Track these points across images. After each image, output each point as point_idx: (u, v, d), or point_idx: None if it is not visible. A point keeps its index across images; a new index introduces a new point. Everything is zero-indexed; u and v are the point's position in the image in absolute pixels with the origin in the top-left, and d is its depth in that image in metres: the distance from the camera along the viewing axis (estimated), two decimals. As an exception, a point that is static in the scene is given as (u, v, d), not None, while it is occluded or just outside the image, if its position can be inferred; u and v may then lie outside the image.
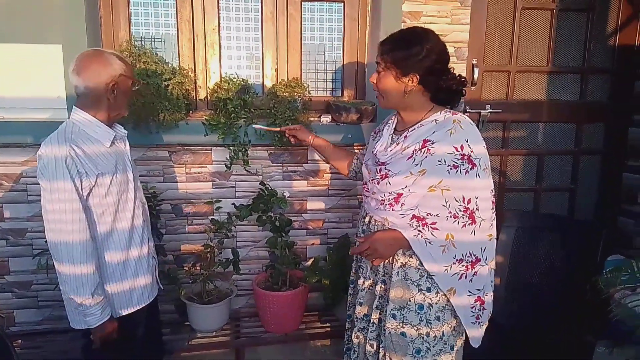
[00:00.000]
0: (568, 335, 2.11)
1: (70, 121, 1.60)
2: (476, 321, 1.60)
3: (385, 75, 1.57)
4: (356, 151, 2.11)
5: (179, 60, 2.55)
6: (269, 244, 2.49)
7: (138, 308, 1.75)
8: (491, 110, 2.74)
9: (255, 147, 2.51)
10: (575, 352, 2.07)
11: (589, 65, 2.92)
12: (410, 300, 1.59)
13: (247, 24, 2.62)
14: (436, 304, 1.59)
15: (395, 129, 1.71)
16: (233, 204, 2.54)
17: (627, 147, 2.99)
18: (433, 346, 1.61)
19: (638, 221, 2.92)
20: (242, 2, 2.59)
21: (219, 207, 2.56)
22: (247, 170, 2.56)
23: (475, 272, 1.55)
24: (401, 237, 1.57)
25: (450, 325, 1.63)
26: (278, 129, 2.25)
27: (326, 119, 2.56)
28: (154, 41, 2.55)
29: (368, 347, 1.73)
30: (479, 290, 1.58)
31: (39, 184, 1.55)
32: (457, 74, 1.61)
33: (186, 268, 2.54)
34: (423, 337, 1.60)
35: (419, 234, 1.54)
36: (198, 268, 2.45)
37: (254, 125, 2.28)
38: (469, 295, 1.57)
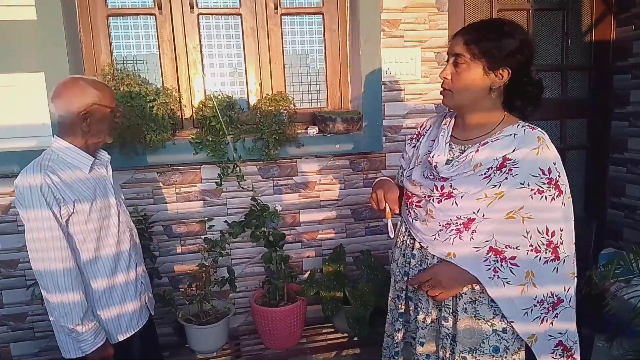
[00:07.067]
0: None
1: (50, 149, 1.60)
2: None
3: (468, 68, 1.34)
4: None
5: (162, 80, 2.55)
6: (264, 260, 2.48)
7: (128, 335, 1.72)
8: (476, 112, 2.76)
9: (244, 162, 2.51)
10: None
11: (567, 62, 2.96)
12: (483, 342, 1.40)
13: (228, 40, 2.63)
14: (512, 346, 1.40)
15: (452, 136, 1.47)
16: (225, 221, 2.53)
17: (610, 141, 3.04)
18: None
19: (626, 213, 2.96)
20: (222, 20, 2.60)
21: (211, 226, 2.55)
22: (240, 186, 2.55)
23: (557, 314, 1.36)
24: (470, 276, 1.37)
25: None
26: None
27: (313, 130, 2.57)
28: (137, 63, 2.54)
29: None
30: (560, 334, 1.38)
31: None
32: (538, 77, 1.41)
33: (182, 289, 2.51)
34: None
35: (494, 275, 1.34)
36: (194, 288, 2.42)
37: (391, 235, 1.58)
38: (549, 340, 1.38)
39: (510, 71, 1.33)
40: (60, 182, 1.53)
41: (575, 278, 1.39)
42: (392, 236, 1.57)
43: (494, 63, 1.32)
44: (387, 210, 1.52)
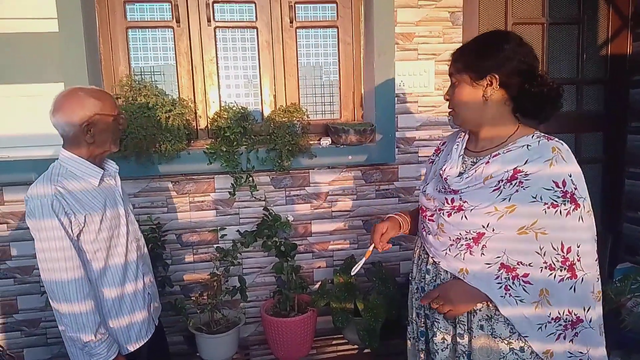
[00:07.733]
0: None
1: (58, 162, 1.58)
2: None
3: (459, 84, 1.35)
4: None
5: (178, 91, 2.59)
6: (275, 270, 2.49)
7: (138, 346, 1.70)
8: (489, 125, 2.76)
9: (257, 173, 2.53)
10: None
11: (583, 76, 2.95)
12: None
13: (243, 53, 2.67)
14: None
15: (467, 148, 1.44)
16: (238, 230, 2.55)
17: (626, 155, 3.00)
18: None
19: (643, 228, 2.91)
20: (238, 33, 2.64)
21: (223, 235, 2.57)
22: (253, 196, 2.57)
23: (576, 333, 1.28)
24: (481, 294, 1.32)
25: None
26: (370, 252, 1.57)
27: (326, 141, 2.58)
28: (154, 74, 2.60)
29: None
30: (581, 353, 1.30)
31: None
32: (551, 80, 1.32)
33: (193, 298, 2.53)
34: None
35: (506, 293, 1.29)
36: (205, 297, 2.44)
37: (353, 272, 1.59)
38: (569, 358, 1.30)
39: (498, 77, 1.29)
40: (70, 196, 1.52)
41: (600, 298, 1.32)
42: (352, 274, 1.59)
43: (478, 73, 1.31)
44: (370, 249, 1.53)
